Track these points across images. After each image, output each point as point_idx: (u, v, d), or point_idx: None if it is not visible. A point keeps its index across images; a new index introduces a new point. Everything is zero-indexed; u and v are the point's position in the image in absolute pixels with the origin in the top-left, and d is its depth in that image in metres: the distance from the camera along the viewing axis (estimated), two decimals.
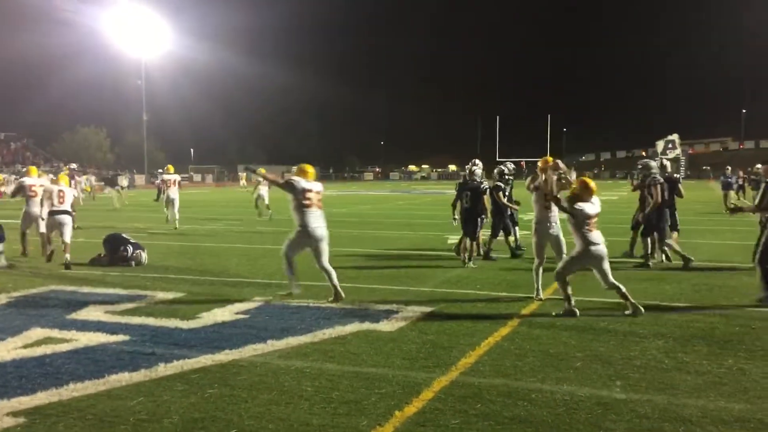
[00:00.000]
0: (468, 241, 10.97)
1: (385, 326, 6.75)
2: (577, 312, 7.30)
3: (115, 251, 11.24)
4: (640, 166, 11.37)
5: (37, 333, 6.54)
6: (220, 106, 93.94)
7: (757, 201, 8.29)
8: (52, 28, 71.29)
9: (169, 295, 8.41)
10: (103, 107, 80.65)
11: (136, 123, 66.90)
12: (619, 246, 12.04)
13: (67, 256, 10.99)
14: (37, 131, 75.75)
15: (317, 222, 8.09)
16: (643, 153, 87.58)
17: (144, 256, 11.27)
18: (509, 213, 12.09)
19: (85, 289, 8.91)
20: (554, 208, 8.04)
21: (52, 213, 11.37)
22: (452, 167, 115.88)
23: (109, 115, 79.98)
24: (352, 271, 10.37)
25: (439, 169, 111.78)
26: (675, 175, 11.94)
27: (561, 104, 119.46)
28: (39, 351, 5.93)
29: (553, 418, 4.36)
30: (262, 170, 9.37)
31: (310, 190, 8.07)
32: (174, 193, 19.00)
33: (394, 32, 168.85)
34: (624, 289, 7.29)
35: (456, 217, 11.53)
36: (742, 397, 4.75)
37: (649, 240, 10.88)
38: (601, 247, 7.32)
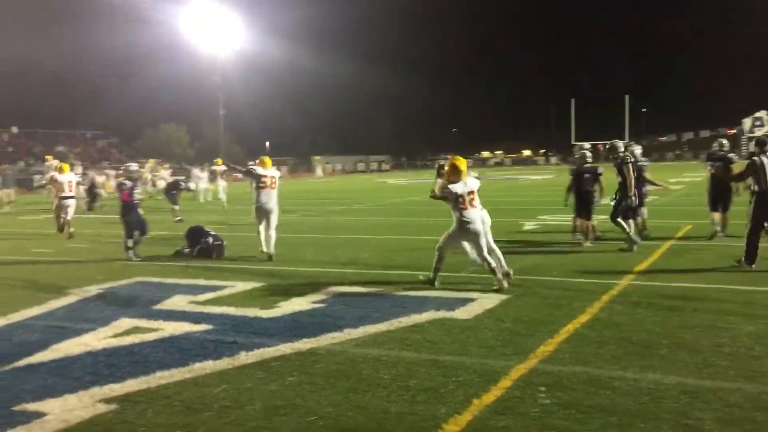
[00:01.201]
0: (583, 222, 11.28)
1: (461, 314, 6.72)
2: (437, 284, 7.98)
3: (196, 243, 11.61)
4: (607, 146, 11.40)
5: (125, 323, 6.82)
6: (292, 100, 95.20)
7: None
8: (134, 27, 73.91)
9: (249, 285, 8.60)
10: (182, 104, 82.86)
11: (213, 118, 68.52)
12: (704, 228, 11.67)
13: (72, 230, 14.78)
14: (123, 129, 78.72)
15: (268, 199, 10.85)
16: (729, 132, 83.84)
17: (224, 247, 11.58)
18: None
19: (169, 281, 9.24)
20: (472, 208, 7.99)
21: (62, 198, 15.07)
22: (526, 152, 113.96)
23: (188, 112, 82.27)
24: (426, 259, 10.35)
25: (513, 155, 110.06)
26: None
27: (640, 84, 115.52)
28: (128, 340, 6.19)
29: (637, 407, 4.23)
30: (233, 165, 13.79)
31: (265, 176, 10.92)
32: (221, 181, 24.96)
33: (464, 20, 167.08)
34: (493, 265, 7.83)
35: (569, 201, 11.70)
36: None
37: (630, 222, 10.85)
38: (475, 224, 7.84)
